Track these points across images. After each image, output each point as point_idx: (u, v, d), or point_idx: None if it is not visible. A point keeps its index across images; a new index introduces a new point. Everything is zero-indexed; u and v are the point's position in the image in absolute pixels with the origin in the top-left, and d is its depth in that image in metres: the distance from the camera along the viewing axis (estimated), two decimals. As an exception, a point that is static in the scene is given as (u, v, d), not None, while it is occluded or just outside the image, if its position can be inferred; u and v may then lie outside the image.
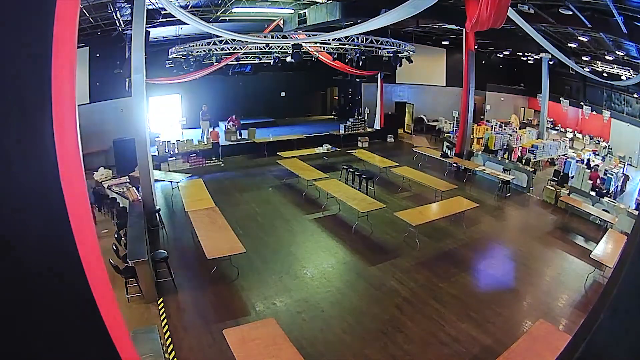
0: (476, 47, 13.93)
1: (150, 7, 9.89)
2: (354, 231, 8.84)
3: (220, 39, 11.96)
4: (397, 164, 12.73)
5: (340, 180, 11.36)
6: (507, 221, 10.19)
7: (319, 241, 8.49)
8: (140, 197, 8.92)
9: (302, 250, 8.10)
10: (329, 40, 13.51)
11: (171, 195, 10.78)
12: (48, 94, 1.76)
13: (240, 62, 16.53)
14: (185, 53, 13.27)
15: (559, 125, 20.54)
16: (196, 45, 12.69)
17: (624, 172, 12.63)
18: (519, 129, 18.69)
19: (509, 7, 8.48)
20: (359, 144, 17.07)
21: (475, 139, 16.16)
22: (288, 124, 19.18)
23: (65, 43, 1.84)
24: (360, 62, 15.54)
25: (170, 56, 13.90)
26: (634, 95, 16.27)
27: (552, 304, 6.47)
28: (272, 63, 14.57)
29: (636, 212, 9.18)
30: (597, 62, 15.21)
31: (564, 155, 15.08)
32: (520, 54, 19.50)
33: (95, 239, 2.15)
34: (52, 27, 1.75)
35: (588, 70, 15.96)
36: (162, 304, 6.21)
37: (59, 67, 1.80)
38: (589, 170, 11.71)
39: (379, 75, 18.45)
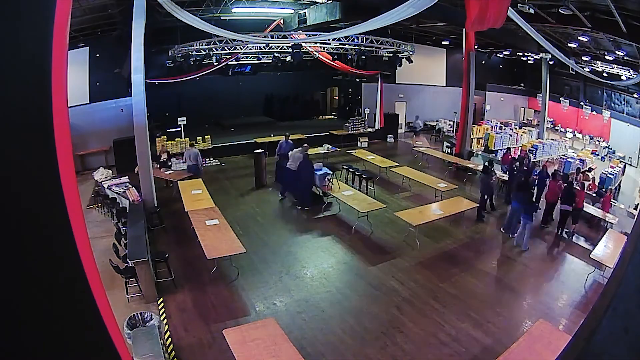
0: (476, 47, 13.93)
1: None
2: (354, 231, 8.84)
3: (220, 39, 11.96)
4: (397, 164, 12.74)
5: (340, 180, 11.34)
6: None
7: (319, 241, 8.48)
8: (140, 197, 8.92)
9: (302, 250, 8.09)
10: (329, 40, 13.52)
11: (171, 195, 10.77)
12: (49, 93, 1.77)
13: (240, 62, 16.52)
14: (185, 53, 13.28)
15: (559, 125, 20.54)
16: (196, 45, 12.69)
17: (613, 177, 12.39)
18: (519, 128, 18.70)
19: (509, 7, 8.50)
20: (359, 144, 17.07)
21: (475, 139, 16.17)
22: (288, 124, 19.15)
23: (62, 41, 1.85)
24: (360, 62, 15.53)
25: (170, 56, 13.90)
26: (634, 95, 16.27)
27: (552, 304, 6.47)
28: (272, 63, 14.57)
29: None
30: (597, 62, 15.21)
31: (563, 155, 15.09)
32: (520, 54, 19.49)
33: (87, 236, 2.16)
34: (52, 27, 1.76)
35: (588, 70, 15.97)
36: (162, 304, 6.21)
37: (58, 67, 1.80)
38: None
39: (379, 75, 18.45)
